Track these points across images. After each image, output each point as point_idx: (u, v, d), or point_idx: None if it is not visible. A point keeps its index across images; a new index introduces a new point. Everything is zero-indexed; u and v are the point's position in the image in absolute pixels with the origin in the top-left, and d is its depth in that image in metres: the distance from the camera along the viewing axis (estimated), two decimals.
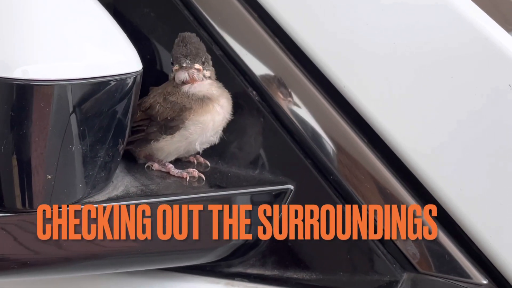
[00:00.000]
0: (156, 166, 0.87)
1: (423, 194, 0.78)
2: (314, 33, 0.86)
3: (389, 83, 0.81)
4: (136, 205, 0.76)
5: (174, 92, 0.85)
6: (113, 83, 0.71)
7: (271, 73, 0.88)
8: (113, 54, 0.73)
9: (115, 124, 0.73)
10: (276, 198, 0.84)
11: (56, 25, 0.69)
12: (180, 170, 0.85)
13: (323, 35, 0.86)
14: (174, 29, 0.95)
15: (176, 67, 0.84)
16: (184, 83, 0.84)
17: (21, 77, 0.65)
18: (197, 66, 0.84)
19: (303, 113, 0.86)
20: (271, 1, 0.89)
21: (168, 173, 0.86)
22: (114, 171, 0.78)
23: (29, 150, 0.67)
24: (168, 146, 0.85)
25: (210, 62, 0.87)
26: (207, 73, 0.85)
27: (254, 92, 0.88)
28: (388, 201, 0.80)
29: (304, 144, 0.85)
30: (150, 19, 0.99)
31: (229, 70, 0.90)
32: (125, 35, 0.78)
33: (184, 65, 0.83)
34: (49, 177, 0.69)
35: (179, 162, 0.90)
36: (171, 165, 0.86)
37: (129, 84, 0.73)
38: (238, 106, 0.90)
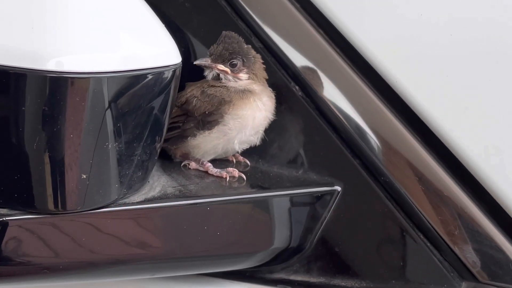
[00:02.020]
0: (193, 165, 0.82)
1: (483, 198, 0.72)
2: (362, 22, 0.81)
3: (445, 77, 0.75)
4: (175, 206, 0.71)
5: (212, 85, 0.80)
6: (151, 76, 0.66)
7: (315, 66, 0.82)
8: (151, 46, 0.68)
9: (153, 120, 0.68)
10: (322, 200, 0.79)
11: (91, 13, 0.64)
12: (219, 170, 0.80)
13: (372, 25, 0.80)
14: (210, 20, 0.91)
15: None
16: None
17: (55, 69, 0.60)
18: (220, 66, 0.81)
19: (350, 109, 0.80)
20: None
21: (206, 172, 0.81)
22: (151, 170, 0.73)
23: (63, 148, 0.62)
24: (206, 143, 0.80)
25: (253, 64, 0.83)
26: (242, 75, 0.81)
27: (296, 87, 0.83)
28: (444, 204, 0.74)
29: (351, 142, 0.79)
30: (185, 10, 0.94)
31: (270, 64, 0.85)
32: (164, 27, 0.72)
33: (203, 63, 0.81)
34: (84, 176, 0.64)
35: (217, 161, 0.85)
36: (209, 164, 0.81)
37: (168, 78, 0.68)
38: (279, 102, 0.85)
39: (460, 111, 0.74)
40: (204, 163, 0.81)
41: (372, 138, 0.78)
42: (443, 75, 0.76)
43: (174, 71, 0.69)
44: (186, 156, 0.83)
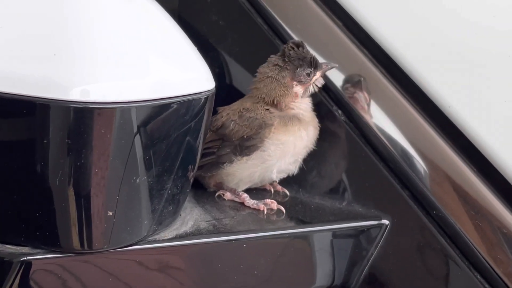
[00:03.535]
0: (228, 195, 0.76)
1: None
2: (410, 41, 0.75)
3: (506, 103, 0.68)
4: (208, 243, 0.65)
5: (253, 108, 0.74)
6: (182, 105, 0.61)
7: (358, 89, 0.76)
8: (182, 71, 0.63)
9: (184, 150, 0.63)
10: (368, 234, 0.73)
11: (117, 37, 0.59)
12: (256, 201, 0.75)
13: (422, 44, 0.75)
14: (245, 39, 0.86)
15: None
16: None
17: (79, 99, 0.55)
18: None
19: (398, 135, 0.74)
20: (358, 6, 0.78)
21: (242, 204, 0.75)
22: (183, 203, 0.68)
23: (87, 183, 0.57)
24: (242, 171, 0.75)
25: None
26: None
27: (339, 111, 0.78)
28: (503, 243, 0.67)
29: (399, 172, 0.73)
30: (219, 28, 0.89)
31: None
32: (196, 49, 0.67)
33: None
34: (110, 213, 0.59)
35: (253, 190, 0.80)
36: (245, 195, 0.75)
37: (201, 105, 0.63)
38: (321, 127, 0.79)
39: None
40: (240, 193, 0.76)
41: (423, 168, 0.72)
42: (502, 101, 0.69)
43: (207, 98, 0.64)
44: (220, 185, 0.77)
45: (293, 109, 0.75)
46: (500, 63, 0.73)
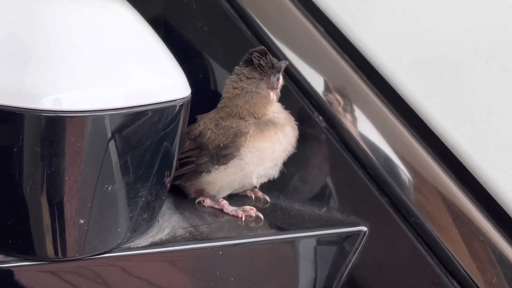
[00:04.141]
0: (208, 202, 0.76)
1: None
2: (391, 49, 0.75)
3: (486, 108, 0.68)
4: (182, 251, 0.65)
5: (228, 116, 0.74)
6: (156, 112, 0.60)
7: (340, 95, 0.76)
8: (156, 79, 0.63)
9: (159, 158, 0.63)
10: (347, 241, 0.72)
11: (91, 46, 0.59)
12: (235, 208, 0.75)
13: (401, 52, 0.74)
14: (229, 45, 0.86)
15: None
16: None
17: (51, 108, 0.55)
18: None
19: (378, 142, 0.74)
20: (339, 13, 0.78)
21: (221, 210, 0.75)
22: (159, 210, 0.68)
23: (58, 191, 0.57)
24: (221, 179, 0.74)
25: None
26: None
27: (320, 118, 0.77)
28: (481, 250, 0.67)
29: (379, 179, 0.72)
30: (203, 34, 0.89)
31: (292, 92, 0.79)
32: (172, 56, 0.67)
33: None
34: (82, 221, 0.59)
35: (234, 196, 0.80)
36: (225, 202, 0.75)
37: (175, 112, 0.63)
38: (302, 133, 0.79)
39: (502, 149, 0.67)
40: (220, 200, 0.76)
41: (402, 175, 0.72)
42: (480, 108, 0.69)
43: (182, 105, 0.64)
44: (201, 192, 0.77)
45: (268, 114, 0.75)
46: (477, 68, 0.72)
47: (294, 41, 0.82)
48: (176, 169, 0.76)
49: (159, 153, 0.63)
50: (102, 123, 0.57)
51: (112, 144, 0.58)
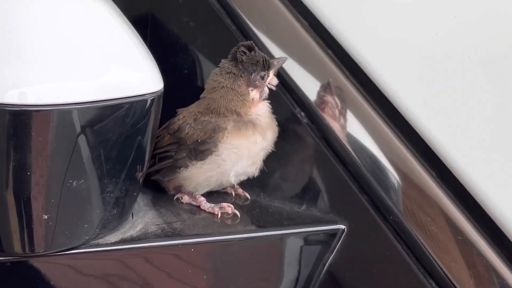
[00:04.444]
0: (186, 198, 0.75)
1: (505, 245, 0.63)
2: (373, 45, 0.73)
3: (464, 104, 0.66)
4: (153, 248, 0.64)
5: (207, 111, 0.73)
6: (124, 107, 0.59)
7: (322, 91, 0.74)
8: (125, 73, 0.62)
9: (128, 154, 0.62)
10: (325, 239, 0.71)
11: (58, 38, 0.58)
12: (212, 205, 0.73)
13: (383, 49, 0.72)
14: (214, 39, 0.85)
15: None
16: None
17: (15, 102, 0.55)
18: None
19: (359, 139, 0.72)
20: (324, 8, 0.76)
21: (199, 207, 0.74)
22: (130, 207, 0.67)
23: (21, 186, 0.57)
24: (198, 175, 0.73)
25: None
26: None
27: (302, 113, 0.76)
28: (459, 250, 0.65)
29: (359, 176, 0.71)
30: (189, 29, 0.88)
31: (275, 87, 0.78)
32: (146, 49, 0.66)
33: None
34: (46, 217, 0.58)
35: (215, 193, 0.78)
36: (202, 198, 0.74)
37: (146, 107, 0.62)
38: (283, 129, 0.77)
39: (481, 148, 0.65)
40: (197, 197, 0.75)
41: (382, 172, 0.70)
42: (459, 104, 0.67)
43: (153, 100, 0.63)
44: (179, 189, 0.76)
45: (250, 115, 0.73)
46: (458, 63, 0.70)
47: (278, 36, 0.81)
48: (154, 164, 0.76)
49: (128, 149, 0.62)
50: (67, 117, 0.57)
51: (78, 139, 0.58)
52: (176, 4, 0.90)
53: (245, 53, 0.72)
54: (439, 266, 0.65)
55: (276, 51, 0.80)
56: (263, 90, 0.74)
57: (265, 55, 0.73)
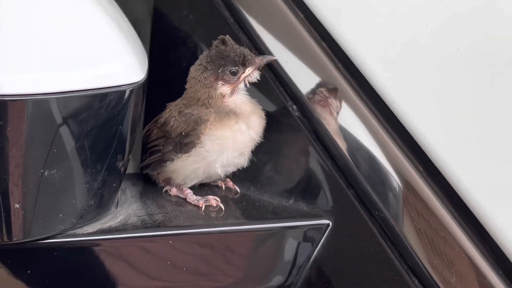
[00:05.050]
0: (174, 191, 0.75)
1: (488, 243, 0.61)
2: (367, 41, 0.71)
3: (448, 100, 0.64)
4: (131, 239, 0.64)
5: (190, 104, 0.72)
6: (100, 98, 0.60)
7: (315, 85, 0.73)
8: (103, 63, 0.62)
9: (105, 145, 0.62)
10: (309, 234, 0.70)
11: (33, 27, 0.59)
12: (198, 197, 0.73)
13: (377, 43, 0.71)
14: (212, 32, 0.84)
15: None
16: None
17: None
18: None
19: (348, 134, 0.70)
20: (320, 2, 0.75)
21: (185, 199, 0.74)
22: (110, 198, 0.67)
23: None
24: (185, 168, 0.73)
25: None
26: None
27: (294, 107, 0.75)
28: (441, 248, 0.63)
29: (347, 171, 0.69)
30: (189, 22, 0.88)
31: (268, 81, 0.77)
32: (133, 39, 0.66)
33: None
34: (17, 206, 0.59)
35: (205, 186, 0.78)
36: (189, 191, 0.74)
37: (125, 98, 0.62)
38: (275, 122, 0.76)
39: (467, 143, 0.63)
40: (184, 189, 0.74)
41: (369, 168, 0.68)
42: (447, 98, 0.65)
43: (132, 90, 0.62)
44: (169, 181, 0.76)
45: (228, 105, 0.72)
46: (445, 55, 0.68)
47: (273, 28, 0.79)
48: (145, 158, 0.76)
49: (105, 139, 0.63)
50: (42, 107, 0.58)
51: (52, 129, 0.58)
52: None
53: (217, 46, 0.71)
54: (422, 264, 0.64)
55: (271, 46, 0.79)
56: (237, 86, 0.73)
57: (246, 51, 0.72)
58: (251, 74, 0.73)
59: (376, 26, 0.73)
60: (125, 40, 0.65)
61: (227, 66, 0.71)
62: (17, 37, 0.58)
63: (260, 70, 0.74)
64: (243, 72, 0.72)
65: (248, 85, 0.74)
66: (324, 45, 0.74)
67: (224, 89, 0.72)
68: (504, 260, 0.59)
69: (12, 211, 0.59)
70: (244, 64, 0.72)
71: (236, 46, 0.72)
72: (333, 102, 0.72)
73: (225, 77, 0.72)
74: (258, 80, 0.76)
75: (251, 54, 0.72)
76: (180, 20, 0.89)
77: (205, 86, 0.72)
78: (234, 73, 0.72)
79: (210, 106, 0.72)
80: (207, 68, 0.72)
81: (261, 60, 0.72)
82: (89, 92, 0.60)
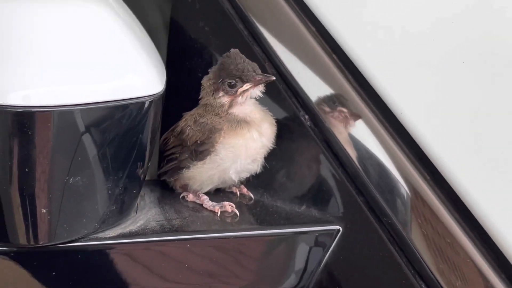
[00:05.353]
0: (190, 197, 0.78)
1: (491, 247, 0.63)
2: (376, 54, 0.74)
3: (453, 112, 0.67)
4: (149, 243, 0.67)
5: (205, 113, 0.76)
6: (122, 109, 0.63)
7: (326, 96, 0.76)
8: (124, 76, 0.65)
9: (126, 153, 0.65)
10: (320, 239, 0.73)
11: (59, 42, 0.62)
12: (214, 203, 0.76)
13: (387, 58, 0.74)
14: (227, 44, 0.87)
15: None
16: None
17: (19, 104, 0.59)
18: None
19: (357, 143, 0.73)
20: (331, 16, 0.78)
21: (202, 205, 0.77)
22: (131, 203, 0.70)
23: (22, 183, 0.61)
24: (200, 175, 0.76)
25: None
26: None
27: (306, 116, 0.78)
28: (447, 252, 0.65)
29: (357, 179, 0.72)
30: (205, 33, 0.91)
31: (281, 91, 0.80)
32: (151, 51, 0.69)
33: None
34: (44, 211, 0.62)
35: (220, 192, 0.81)
36: (205, 197, 0.77)
37: (145, 109, 0.65)
38: (288, 131, 0.79)
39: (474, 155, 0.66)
40: (201, 195, 0.78)
41: (378, 176, 0.71)
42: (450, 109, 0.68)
43: (151, 102, 0.66)
44: (185, 187, 0.79)
45: (238, 114, 0.75)
46: (453, 69, 0.71)
47: (287, 42, 0.82)
48: (163, 166, 0.79)
49: (126, 148, 0.66)
50: (66, 118, 0.60)
51: (76, 138, 0.61)
52: (193, 9, 0.93)
53: (224, 58, 0.75)
54: (429, 268, 0.66)
55: (284, 55, 0.82)
56: (236, 99, 0.75)
57: (248, 67, 0.74)
58: (251, 90, 0.75)
59: (383, 40, 0.76)
60: (144, 53, 0.68)
61: (226, 78, 0.74)
62: (44, 52, 0.61)
63: (265, 86, 0.76)
64: (241, 87, 0.74)
65: (248, 99, 0.76)
66: (335, 57, 0.77)
67: (223, 99, 0.75)
68: (507, 265, 0.62)
69: (38, 216, 0.62)
70: (242, 79, 0.74)
71: (240, 60, 0.74)
72: (343, 112, 0.75)
73: (224, 88, 0.75)
74: (270, 90, 0.79)
75: (254, 71, 0.74)
76: (197, 32, 0.92)
77: (209, 95, 0.76)
78: (232, 86, 0.75)
79: (219, 115, 0.75)
80: (211, 78, 0.76)
81: (259, 79, 0.74)
82: (111, 104, 0.63)
